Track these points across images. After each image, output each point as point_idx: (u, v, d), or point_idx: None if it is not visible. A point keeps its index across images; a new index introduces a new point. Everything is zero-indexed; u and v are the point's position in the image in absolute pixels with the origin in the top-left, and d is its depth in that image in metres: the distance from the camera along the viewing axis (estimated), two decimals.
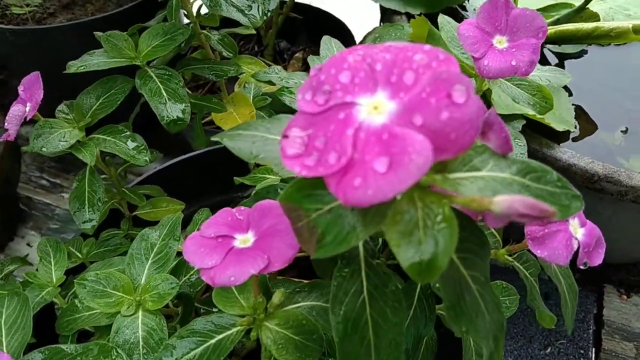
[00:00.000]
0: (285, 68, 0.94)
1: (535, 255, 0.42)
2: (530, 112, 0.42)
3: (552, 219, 0.20)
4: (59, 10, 1.01)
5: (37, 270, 0.47)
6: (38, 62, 0.91)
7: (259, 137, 0.29)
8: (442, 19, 0.46)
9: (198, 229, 0.31)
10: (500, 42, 0.40)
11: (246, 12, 0.50)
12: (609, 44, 0.88)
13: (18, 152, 0.95)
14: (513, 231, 0.43)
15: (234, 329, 0.32)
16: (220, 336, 0.32)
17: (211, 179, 0.65)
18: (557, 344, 0.88)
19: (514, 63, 0.38)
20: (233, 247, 0.30)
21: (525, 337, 0.85)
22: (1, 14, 0.97)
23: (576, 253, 0.33)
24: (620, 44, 0.88)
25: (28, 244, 0.95)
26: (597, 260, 0.34)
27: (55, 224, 0.99)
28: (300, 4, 1.02)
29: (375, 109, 0.23)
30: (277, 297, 0.31)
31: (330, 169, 0.22)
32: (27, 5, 0.94)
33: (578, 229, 0.33)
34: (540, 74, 0.47)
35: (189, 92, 0.78)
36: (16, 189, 0.98)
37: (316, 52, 1.04)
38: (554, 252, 0.31)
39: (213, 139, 0.30)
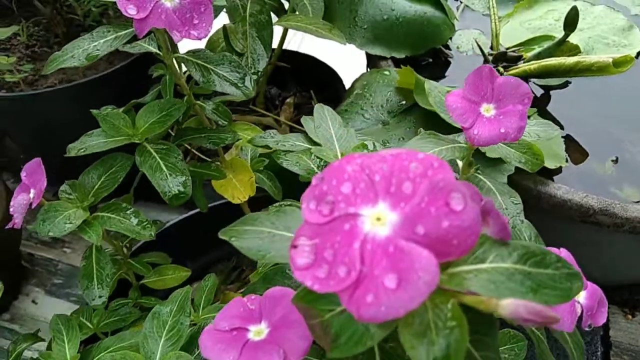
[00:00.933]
0: (277, 114, 0.95)
1: None
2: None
3: (555, 324, 0.22)
4: (51, 72, 1.02)
5: (49, 349, 0.48)
6: (32, 125, 0.93)
7: (265, 234, 0.31)
8: (429, 84, 0.48)
9: (212, 322, 0.32)
10: (487, 110, 0.41)
11: (239, 84, 0.51)
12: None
13: None
14: None
15: None
16: None
17: (211, 234, 0.66)
18: None
19: (502, 130, 0.40)
20: (248, 340, 0.30)
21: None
22: None
23: (580, 316, 0.35)
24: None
25: (33, 301, 0.95)
26: (601, 319, 0.35)
27: (59, 279, 0.99)
28: (288, 50, 1.05)
29: (378, 220, 0.24)
30: None
31: (341, 283, 0.23)
32: (19, 71, 0.95)
33: (580, 293, 0.34)
34: (529, 129, 0.49)
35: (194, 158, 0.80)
36: (19, 246, 0.99)
37: (306, 97, 1.06)
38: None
39: (221, 236, 0.31)
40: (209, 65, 0.51)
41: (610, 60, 0.75)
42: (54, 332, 0.49)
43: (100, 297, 0.49)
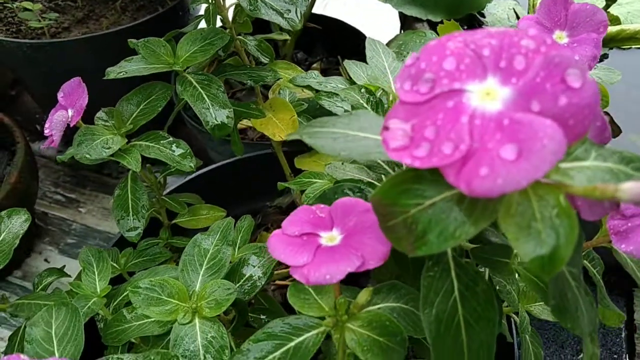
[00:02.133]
0: None
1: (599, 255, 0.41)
2: None
3: None
4: (74, 25, 1.00)
5: (79, 280, 0.46)
6: (52, 76, 0.90)
7: (339, 134, 0.28)
8: (492, 17, 0.46)
9: (280, 227, 0.30)
10: (560, 37, 0.39)
11: (285, 15, 0.49)
12: (630, 47, 0.88)
13: (35, 168, 0.94)
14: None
15: (315, 331, 0.31)
16: (300, 338, 0.31)
17: (242, 188, 0.64)
18: None
19: (576, 58, 0.37)
20: (320, 245, 0.28)
21: (557, 342, 0.84)
22: (16, 29, 0.96)
23: None
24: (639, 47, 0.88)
25: (45, 260, 0.93)
26: None
27: (72, 239, 0.97)
28: (316, 14, 1.02)
29: (487, 95, 0.22)
30: (363, 296, 0.30)
31: (446, 159, 0.21)
32: (44, 19, 0.93)
33: None
34: (592, 72, 0.46)
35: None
36: (34, 205, 0.97)
37: (334, 63, 1.03)
38: (639, 246, 0.31)
39: (291, 137, 0.29)
40: None
41: None
42: (84, 264, 0.47)
43: (135, 228, 0.47)
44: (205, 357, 0.36)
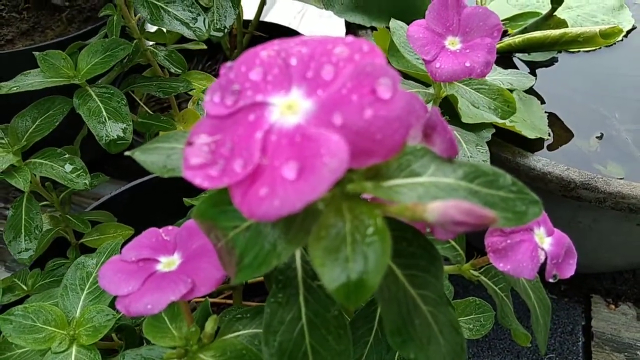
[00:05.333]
0: None
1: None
2: (493, 118, 0.39)
3: (494, 226, 0.18)
4: (18, 37, 0.98)
5: None
6: None
7: (178, 150, 0.26)
8: (394, 23, 0.44)
9: (119, 252, 0.27)
10: (452, 43, 0.37)
11: (191, 24, 0.47)
12: (579, 51, 0.87)
13: None
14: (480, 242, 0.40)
15: None
16: None
17: (166, 203, 0.61)
18: (546, 359, 0.85)
19: (468, 64, 0.36)
20: (155, 271, 0.26)
21: (513, 352, 0.82)
22: None
23: (543, 265, 0.30)
24: (589, 51, 0.87)
25: None
26: (568, 272, 0.31)
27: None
28: (266, 22, 1.00)
29: (289, 108, 0.20)
30: (209, 325, 0.28)
31: (234, 177, 0.19)
32: None
33: (545, 239, 0.30)
34: (502, 78, 0.44)
35: (148, 110, 0.75)
36: None
37: None
38: (518, 264, 0.28)
39: (126, 154, 0.26)
40: (159, 3, 0.47)
41: (597, 30, 0.71)
42: None
43: (27, 249, 0.44)
44: None
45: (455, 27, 0.37)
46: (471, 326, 0.45)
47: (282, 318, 0.26)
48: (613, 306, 0.89)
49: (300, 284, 0.26)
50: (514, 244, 0.30)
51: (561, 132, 0.78)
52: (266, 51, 0.22)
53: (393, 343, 0.23)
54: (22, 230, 0.45)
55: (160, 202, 0.62)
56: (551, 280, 0.30)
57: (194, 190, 0.60)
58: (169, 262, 0.27)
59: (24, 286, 0.51)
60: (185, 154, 0.21)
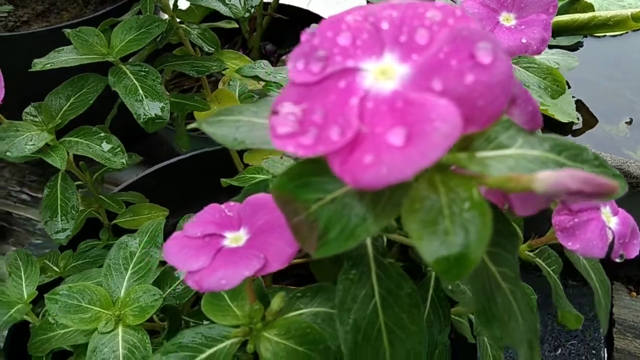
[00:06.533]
0: None
1: (557, 252, 0.39)
2: (542, 98, 0.39)
3: (610, 195, 0.17)
4: (33, 19, 0.97)
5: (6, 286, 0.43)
6: (11, 72, 0.87)
7: (244, 122, 0.25)
8: None
9: (181, 229, 0.27)
10: (507, 19, 0.36)
11: (227, 1, 0.46)
12: (605, 35, 0.85)
13: None
14: (531, 225, 0.39)
15: (228, 341, 0.28)
16: (212, 350, 0.28)
17: (195, 185, 0.61)
18: (568, 345, 0.84)
19: (524, 41, 0.35)
20: (223, 247, 0.25)
21: None
22: None
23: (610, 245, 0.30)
24: (615, 35, 0.86)
25: None
26: (634, 251, 0.30)
27: (38, 239, 0.93)
28: (286, 5, 0.99)
29: (383, 74, 0.19)
30: (276, 302, 0.27)
31: (332, 145, 0.18)
32: None
33: (611, 218, 0.29)
34: (549, 57, 0.43)
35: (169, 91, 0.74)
36: None
37: None
38: (587, 243, 0.28)
39: (190, 126, 0.26)
40: None
41: (629, 13, 0.70)
42: (11, 268, 0.44)
43: (64, 230, 0.43)
44: None
45: (510, 3, 0.36)
46: None
47: (355, 295, 0.25)
48: (635, 293, 0.88)
49: (371, 262, 0.26)
50: (582, 222, 0.29)
51: (587, 117, 0.77)
52: (352, 16, 0.21)
53: (480, 321, 0.22)
54: (59, 210, 0.44)
55: (189, 183, 0.62)
56: (617, 260, 0.30)
57: (223, 172, 0.59)
58: (235, 238, 0.26)
59: (55, 268, 0.50)
60: (272, 124, 0.20)
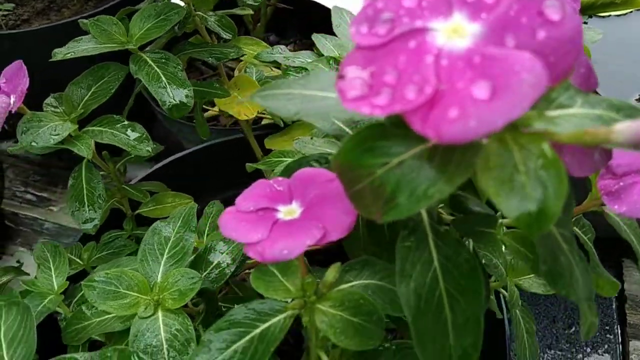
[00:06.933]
0: None
1: (589, 222, 0.39)
2: None
3: None
4: (34, 17, 0.96)
5: (35, 277, 0.42)
6: None
7: (295, 95, 0.25)
8: None
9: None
10: None
11: None
12: (609, 15, 0.86)
13: (0, 167, 0.90)
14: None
15: (281, 315, 0.28)
16: (266, 325, 0.28)
17: (214, 174, 0.60)
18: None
19: None
20: (278, 219, 0.25)
21: (548, 317, 0.82)
22: None
23: None
24: (619, 15, 0.86)
25: (18, 262, 0.89)
26: None
27: (45, 238, 0.93)
28: None
29: (455, 32, 0.19)
30: (331, 274, 0.27)
31: (410, 104, 0.18)
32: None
33: None
34: None
35: None
36: (0, 205, 0.93)
37: (307, 45, 1.00)
38: (634, 206, 0.28)
39: (253, 97, 0.25)
40: None
41: None
42: (39, 260, 0.43)
43: (91, 219, 0.43)
44: (169, 351, 0.33)
45: None
46: (544, 282, 0.45)
47: (414, 262, 0.25)
48: None
49: (427, 229, 0.26)
50: (627, 185, 0.29)
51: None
52: None
53: (547, 281, 0.23)
54: (85, 200, 0.43)
55: (207, 173, 0.61)
56: None
57: (240, 160, 0.59)
58: (289, 211, 0.26)
59: (79, 260, 0.50)
60: (341, 88, 0.20)
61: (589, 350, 0.80)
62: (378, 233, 0.34)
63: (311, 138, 0.40)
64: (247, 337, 0.28)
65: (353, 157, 0.22)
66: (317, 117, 0.24)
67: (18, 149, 0.46)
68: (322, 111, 0.24)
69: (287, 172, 0.32)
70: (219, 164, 0.63)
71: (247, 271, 0.55)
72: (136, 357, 0.31)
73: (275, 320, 0.28)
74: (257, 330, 0.28)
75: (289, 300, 0.28)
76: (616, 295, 0.86)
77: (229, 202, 0.59)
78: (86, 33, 0.47)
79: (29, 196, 1.00)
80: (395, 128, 0.21)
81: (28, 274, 0.50)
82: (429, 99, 0.18)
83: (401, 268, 0.24)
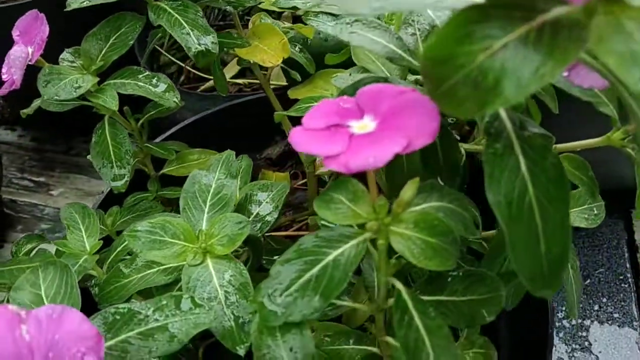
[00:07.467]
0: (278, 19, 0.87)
1: None
2: None
3: None
4: None
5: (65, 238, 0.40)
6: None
7: None
8: None
9: (301, 124, 0.25)
10: None
11: None
12: None
13: None
14: None
15: (354, 240, 0.26)
16: (338, 251, 0.26)
17: (234, 133, 0.59)
18: (596, 274, 0.85)
19: None
20: (353, 133, 0.24)
21: None
22: None
23: None
24: None
25: None
26: None
27: (47, 224, 0.90)
28: None
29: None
30: (407, 192, 0.25)
31: None
32: None
33: None
34: None
35: None
36: None
37: None
38: None
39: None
40: None
41: None
42: (68, 222, 0.41)
43: (121, 176, 0.41)
44: (226, 297, 0.31)
45: None
46: (586, 216, 0.45)
47: (502, 167, 0.24)
48: None
49: (511, 134, 0.24)
50: None
51: None
52: None
53: None
54: (112, 156, 0.41)
55: (217, 137, 0.60)
56: None
57: (260, 118, 0.57)
58: (362, 126, 0.24)
59: (102, 227, 0.48)
60: None
61: (605, 300, 0.81)
62: (432, 160, 0.33)
63: (349, 74, 0.38)
64: (320, 265, 0.26)
65: (448, 46, 0.20)
66: (404, 8, 0.22)
67: (32, 110, 0.44)
68: (410, 2, 0.22)
69: (354, 89, 0.30)
70: (233, 128, 0.61)
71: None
72: (193, 302, 0.29)
73: (347, 245, 0.26)
74: (330, 257, 0.26)
75: (359, 225, 0.27)
76: (627, 245, 0.87)
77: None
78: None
79: (26, 182, 0.97)
80: (496, 9, 0.20)
81: (49, 242, 0.48)
82: None
83: (490, 173, 0.23)
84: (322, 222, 0.30)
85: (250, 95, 0.66)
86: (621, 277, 0.83)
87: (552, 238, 0.24)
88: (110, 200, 0.49)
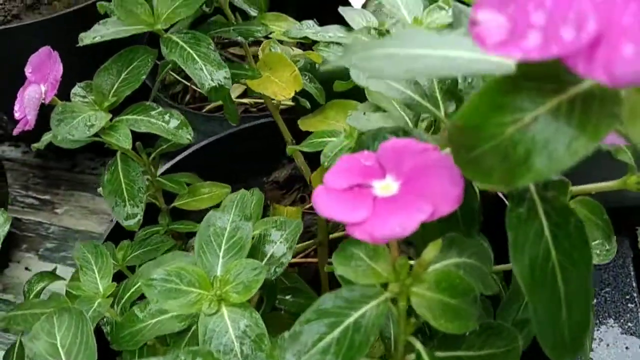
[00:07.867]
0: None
1: None
2: None
3: None
4: (24, 12, 0.92)
5: (78, 280, 0.40)
6: (6, 69, 0.82)
7: (397, 55, 0.23)
8: None
9: (322, 182, 0.24)
10: None
11: None
12: None
13: (2, 171, 0.86)
14: None
15: (375, 301, 0.26)
16: (360, 312, 0.25)
17: (228, 167, 0.58)
18: (603, 293, 0.85)
19: None
20: (376, 196, 0.23)
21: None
22: None
23: None
24: None
25: (26, 268, 0.86)
26: None
27: (52, 242, 0.90)
28: None
29: None
30: (430, 252, 0.25)
31: (570, 45, 0.16)
32: None
33: None
34: None
35: None
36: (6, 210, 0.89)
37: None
38: None
39: (332, 65, 0.23)
40: None
41: None
42: (80, 262, 0.41)
43: (134, 215, 0.41)
44: (242, 350, 0.31)
45: None
46: (598, 251, 0.44)
47: (526, 232, 0.23)
48: None
49: (534, 196, 0.24)
50: None
51: None
52: None
53: None
54: (125, 195, 0.41)
55: (225, 162, 0.60)
56: None
57: (267, 144, 0.57)
58: (385, 186, 0.24)
59: (112, 260, 0.47)
60: (478, 34, 0.18)
61: (611, 321, 0.80)
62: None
63: (364, 113, 0.38)
64: (341, 327, 0.26)
65: (479, 116, 0.20)
66: (438, 69, 0.22)
67: (43, 145, 0.43)
68: (438, 67, 0.22)
69: (361, 146, 0.30)
70: (240, 153, 0.61)
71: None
72: (211, 357, 0.29)
73: (368, 306, 0.26)
74: (351, 319, 0.26)
75: (380, 285, 0.26)
76: (632, 264, 0.87)
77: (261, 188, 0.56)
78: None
79: (30, 200, 0.97)
80: (527, 80, 0.19)
81: (64, 279, 0.47)
82: (592, 39, 0.16)
83: (514, 240, 0.23)
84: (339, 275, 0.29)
85: (256, 115, 0.66)
86: (627, 297, 0.82)
87: (574, 303, 0.23)
88: (119, 228, 0.49)
